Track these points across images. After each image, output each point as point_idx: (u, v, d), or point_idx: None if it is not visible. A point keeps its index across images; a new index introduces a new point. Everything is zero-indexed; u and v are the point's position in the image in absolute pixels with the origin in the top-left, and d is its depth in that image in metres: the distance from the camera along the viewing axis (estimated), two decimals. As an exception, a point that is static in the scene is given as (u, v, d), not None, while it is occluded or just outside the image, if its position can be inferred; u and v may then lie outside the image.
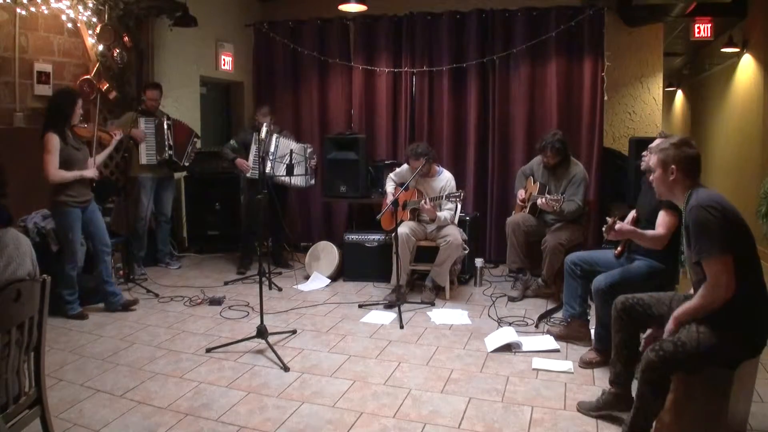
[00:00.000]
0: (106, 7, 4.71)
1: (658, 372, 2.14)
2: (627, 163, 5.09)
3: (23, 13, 4.07)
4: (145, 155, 4.96)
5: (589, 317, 3.53)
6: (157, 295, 4.51)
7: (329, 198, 5.66)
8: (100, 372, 3.10)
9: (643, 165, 3.27)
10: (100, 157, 4.14)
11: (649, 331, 2.52)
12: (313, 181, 5.31)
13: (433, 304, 4.36)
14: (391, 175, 4.85)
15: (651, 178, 2.44)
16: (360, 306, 4.33)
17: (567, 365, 3.18)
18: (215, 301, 4.37)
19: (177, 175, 5.83)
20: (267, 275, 4.69)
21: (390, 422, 2.60)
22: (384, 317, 4.06)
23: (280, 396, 2.86)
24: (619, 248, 3.28)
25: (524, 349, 3.42)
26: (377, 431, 2.53)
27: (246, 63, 6.52)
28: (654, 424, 2.27)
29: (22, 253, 2.03)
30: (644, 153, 3.22)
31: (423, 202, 4.34)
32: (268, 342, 3.39)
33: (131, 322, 3.93)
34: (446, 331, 3.81)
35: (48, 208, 3.98)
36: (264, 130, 4.02)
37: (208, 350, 3.41)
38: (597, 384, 2.93)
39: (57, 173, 3.73)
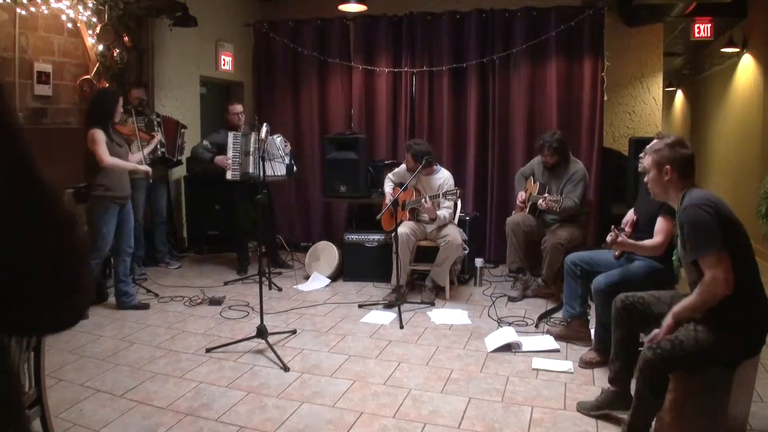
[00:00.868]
0: (106, 7, 4.71)
1: (657, 371, 2.14)
2: (627, 163, 5.09)
3: (23, 13, 4.07)
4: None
5: (589, 317, 3.53)
6: (157, 295, 4.52)
7: (329, 198, 5.66)
8: (100, 372, 3.10)
9: (641, 167, 3.27)
10: (145, 153, 4.35)
11: (655, 331, 2.48)
12: (294, 168, 5.24)
13: (433, 304, 4.36)
14: (390, 175, 4.85)
15: (646, 179, 2.45)
16: (360, 306, 4.33)
17: (567, 365, 3.18)
18: (215, 301, 4.37)
19: (177, 174, 5.83)
20: (267, 275, 4.69)
21: (390, 422, 2.60)
22: (384, 317, 4.06)
23: (280, 396, 2.86)
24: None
25: (524, 349, 3.42)
26: (377, 431, 2.53)
27: (246, 63, 6.52)
28: (653, 423, 2.27)
29: None
30: (641, 154, 3.22)
31: (423, 201, 4.34)
32: (268, 342, 3.39)
33: (131, 322, 3.93)
34: (446, 331, 3.81)
35: (88, 204, 4.01)
36: (264, 130, 4.01)
37: (208, 350, 3.41)
38: (597, 384, 2.93)
39: (112, 159, 3.86)
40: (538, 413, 2.67)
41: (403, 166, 4.75)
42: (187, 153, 5.41)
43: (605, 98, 5.46)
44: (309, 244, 5.62)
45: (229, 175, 5.02)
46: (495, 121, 5.67)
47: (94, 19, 4.72)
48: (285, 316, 4.13)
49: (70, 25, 4.55)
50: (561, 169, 4.40)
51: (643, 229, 3.13)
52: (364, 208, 5.70)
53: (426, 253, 4.57)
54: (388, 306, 4.26)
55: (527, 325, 3.89)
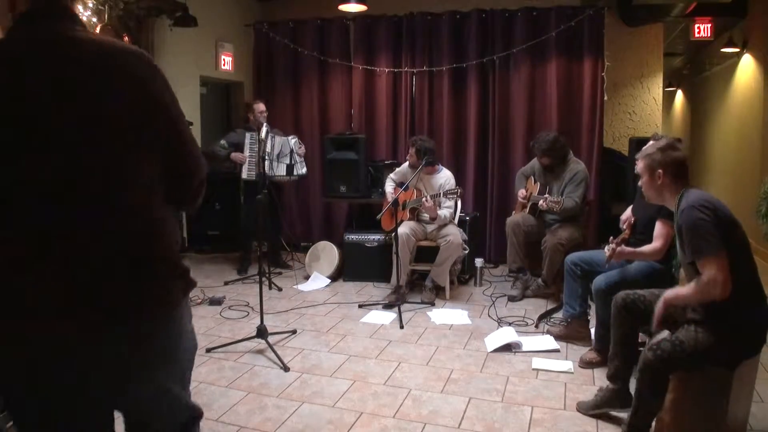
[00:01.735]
0: (106, 7, 4.71)
1: (657, 371, 2.14)
2: (627, 163, 5.09)
3: (23, 13, 4.07)
4: None
5: (589, 317, 3.53)
6: (157, 295, 4.51)
7: (329, 198, 5.66)
8: (100, 372, 3.09)
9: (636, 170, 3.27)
10: None
11: (659, 336, 2.47)
12: (304, 170, 5.25)
13: (433, 304, 4.36)
14: (391, 175, 4.86)
15: (639, 183, 2.45)
16: (360, 306, 4.33)
17: (567, 365, 3.18)
18: (215, 301, 4.37)
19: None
20: (267, 275, 4.69)
21: (390, 422, 2.60)
22: (384, 317, 4.06)
23: (280, 396, 2.86)
24: None
25: (524, 349, 3.42)
26: (377, 431, 2.53)
27: (246, 63, 6.52)
28: (653, 423, 2.27)
29: None
30: (636, 156, 3.22)
31: (424, 199, 4.34)
32: (268, 342, 3.39)
33: (131, 322, 3.93)
34: (446, 331, 3.81)
35: None
36: (264, 130, 4.02)
37: (208, 350, 3.40)
38: (597, 384, 2.93)
39: None
40: (538, 413, 2.67)
41: (405, 165, 4.76)
42: None
43: (605, 98, 5.46)
44: (309, 244, 5.62)
45: (244, 174, 5.06)
46: (495, 121, 5.67)
47: (94, 19, 4.72)
48: (285, 316, 4.13)
49: (70, 25, 4.55)
50: (561, 170, 4.39)
51: (641, 231, 3.13)
52: (364, 208, 5.70)
53: (426, 253, 4.58)
54: (388, 306, 4.26)
55: (527, 325, 3.90)
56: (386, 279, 4.74)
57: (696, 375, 2.17)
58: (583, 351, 3.31)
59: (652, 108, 6.01)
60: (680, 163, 2.30)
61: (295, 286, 4.90)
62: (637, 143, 4.74)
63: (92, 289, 1.17)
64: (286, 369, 3.16)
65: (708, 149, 8.63)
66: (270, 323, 3.72)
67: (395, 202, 4.23)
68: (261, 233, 4.19)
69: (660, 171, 2.30)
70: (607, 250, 2.89)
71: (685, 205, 2.17)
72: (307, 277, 5.10)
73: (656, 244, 2.92)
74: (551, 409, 2.71)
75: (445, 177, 4.59)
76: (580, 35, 5.40)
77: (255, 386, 2.97)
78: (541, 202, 4.17)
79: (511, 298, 4.45)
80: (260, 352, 3.41)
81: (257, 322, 3.50)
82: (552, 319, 3.96)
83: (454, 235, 4.39)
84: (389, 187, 4.77)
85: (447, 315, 4.10)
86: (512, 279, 4.68)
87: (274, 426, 2.57)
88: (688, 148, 9.08)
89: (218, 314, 4.14)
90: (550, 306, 4.24)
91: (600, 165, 5.45)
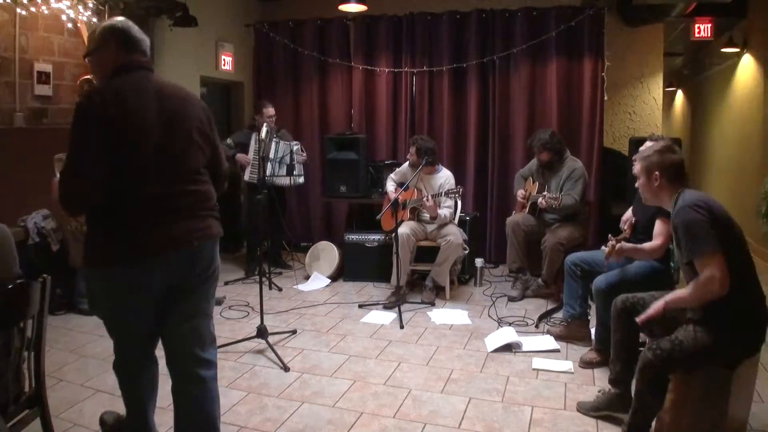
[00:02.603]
0: (106, 7, 4.70)
1: (656, 371, 2.15)
2: (627, 163, 5.08)
3: (23, 13, 4.07)
4: None
5: (589, 317, 3.53)
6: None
7: (329, 198, 5.67)
8: (100, 372, 3.09)
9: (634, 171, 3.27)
10: None
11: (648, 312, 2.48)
12: (301, 179, 5.25)
13: (433, 304, 4.36)
14: (392, 175, 4.86)
15: (636, 185, 2.46)
16: (360, 306, 4.33)
17: (567, 365, 3.18)
18: (215, 301, 4.35)
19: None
20: (267, 275, 4.69)
21: (390, 422, 2.60)
22: (384, 317, 4.06)
23: (280, 396, 2.86)
24: None
25: (524, 349, 3.42)
26: (377, 431, 2.54)
27: (246, 63, 6.52)
28: (653, 424, 2.27)
29: (12, 248, 2.07)
30: (634, 158, 3.22)
31: (425, 199, 4.34)
32: (268, 342, 3.39)
33: (131, 322, 3.93)
34: (446, 331, 3.81)
35: None
36: (264, 130, 4.01)
37: (208, 350, 3.40)
38: (597, 384, 2.94)
39: None
40: (538, 413, 2.67)
41: (405, 164, 4.76)
42: None
43: (605, 98, 5.46)
44: (309, 244, 5.62)
45: (246, 176, 5.04)
46: (495, 121, 5.67)
47: (95, 20, 4.71)
48: (285, 316, 4.13)
49: (70, 25, 4.55)
50: (558, 167, 4.41)
51: (642, 231, 3.13)
52: (364, 208, 5.70)
53: (426, 253, 4.58)
54: (388, 306, 4.26)
55: (527, 325, 3.90)
56: (386, 279, 4.74)
57: (696, 375, 2.17)
58: (583, 351, 3.31)
59: (652, 108, 6.00)
60: (677, 166, 2.30)
61: (295, 286, 4.90)
62: (637, 143, 4.72)
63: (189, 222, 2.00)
64: (286, 369, 3.16)
65: (708, 149, 8.63)
66: (270, 323, 3.72)
67: (395, 202, 4.23)
68: (261, 233, 4.18)
69: (657, 173, 2.30)
70: (607, 248, 2.88)
71: (681, 205, 2.18)
72: (307, 277, 5.10)
73: (656, 241, 2.92)
74: (551, 409, 2.71)
75: (445, 177, 4.60)
76: (580, 35, 5.40)
77: (255, 386, 2.97)
78: (540, 199, 4.18)
79: (511, 298, 4.45)
80: (260, 352, 3.41)
81: (257, 322, 3.50)
82: (552, 319, 3.96)
83: (455, 235, 4.39)
84: (390, 187, 4.77)
85: (447, 315, 4.10)
86: (512, 279, 4.68)
87: (275, 426, 2.57)
88: (688, 148, 9.08)
89: (218, 314, 4.13)
90: (550, 306, 4.24)
91: (600, 165, 5.45)
